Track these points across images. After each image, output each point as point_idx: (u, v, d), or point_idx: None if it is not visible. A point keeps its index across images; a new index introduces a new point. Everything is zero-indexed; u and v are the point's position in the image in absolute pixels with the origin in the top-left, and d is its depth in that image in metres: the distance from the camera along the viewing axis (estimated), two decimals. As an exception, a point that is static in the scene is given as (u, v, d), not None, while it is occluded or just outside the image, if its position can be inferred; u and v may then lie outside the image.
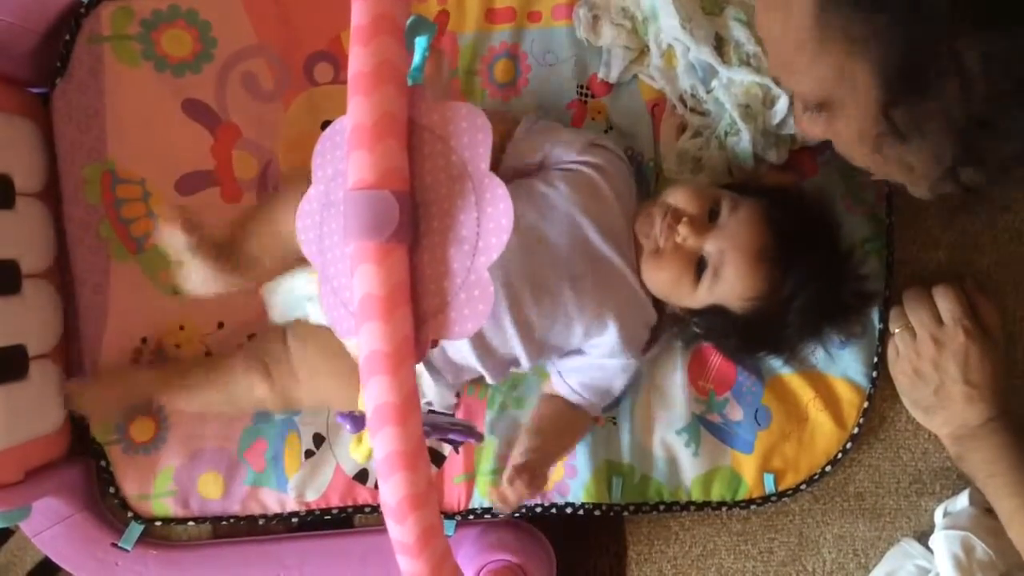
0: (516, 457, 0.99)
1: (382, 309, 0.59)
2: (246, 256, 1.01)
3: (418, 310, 0.62)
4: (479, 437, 0.82)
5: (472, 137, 0.61)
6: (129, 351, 1.14)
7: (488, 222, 0.60)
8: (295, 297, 1.07)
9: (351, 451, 0.81)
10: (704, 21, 1.07)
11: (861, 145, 0.77)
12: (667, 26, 1.08)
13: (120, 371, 1.13)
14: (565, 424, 1.06)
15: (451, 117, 0.61)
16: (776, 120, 1.06)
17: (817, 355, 1.13)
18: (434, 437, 0.79)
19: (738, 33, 1.07)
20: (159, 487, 1.15)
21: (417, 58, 0.69)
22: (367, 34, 0.60)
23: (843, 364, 1.13)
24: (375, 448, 0.63)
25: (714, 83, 1.08)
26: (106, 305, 1.13)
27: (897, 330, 1.11)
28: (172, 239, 0.95)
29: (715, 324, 1.01)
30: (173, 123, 1.12)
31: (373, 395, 0.61)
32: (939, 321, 1.09)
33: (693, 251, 0.98)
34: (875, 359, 1.13)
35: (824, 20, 0.71)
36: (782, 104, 1.05)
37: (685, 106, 1.11)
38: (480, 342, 0.99)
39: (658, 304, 1.05)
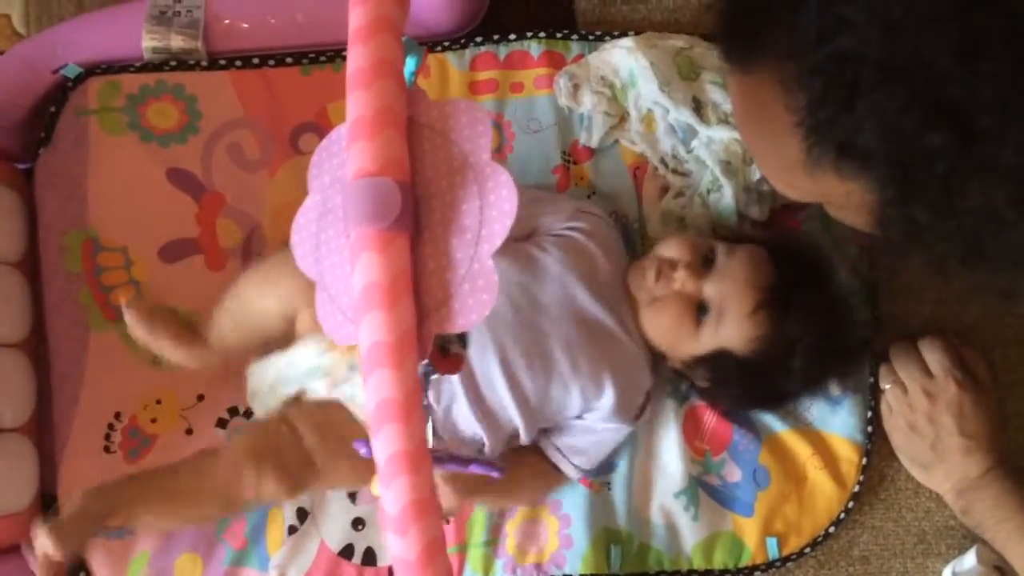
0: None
1: (384, 299, 0.57)
2: (214, 334, 1.01)
3: (420, 305, 0.60)
4: (501, 470, 0.79)
5: (472, 129, 0.61)
6: (102, 426, 1.10)
7: (491, 210, 0.59)
8: (295, 372, 1.03)
9: (372, 487, 0.74)
10: (682, 85, 1.10)
11: (862, 226, 0.74)
12: (646, 91, 1.11)
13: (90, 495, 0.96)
14: (526, 468, 1.02)
15: (450, 112, 0.62)
16: (756, 176, 1.08)
17: (812, 411, 1.11)
18: (454, 468, 0.76)
19: (715, 95, 1.10)
20: (133, 574, 1.09)
21: (407, 80, 0.70)
22: (366, 33, 0.60)
23: (839, 420, 1.11)
24: (376, 452, 0.60)
25: (694, 143, 1.11)
26: (81, 376, 1.09)
27: (888, 386, 1.11)
28: (130, 324, 1.02)
29: (719, 371, 0.99)
30: (157, 191, 1.12)
31: (375, 391, 0.58)
32: (929, 374, 1.08)
33: (692, 296, 0.98)
34: (869, 414, 1.11)
35: (813, 157, 0.67)
36: None
37: (667, 167, 1.13)
38: (481, 406, 0.98)
39: (653, 369, 1.05)
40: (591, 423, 1.02)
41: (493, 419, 0.98)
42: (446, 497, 0.92)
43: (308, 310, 0.99)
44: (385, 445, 0.59)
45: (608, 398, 0.99)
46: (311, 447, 0.97)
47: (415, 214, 0.60)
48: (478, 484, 0.94)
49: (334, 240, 0.65)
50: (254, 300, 1.01)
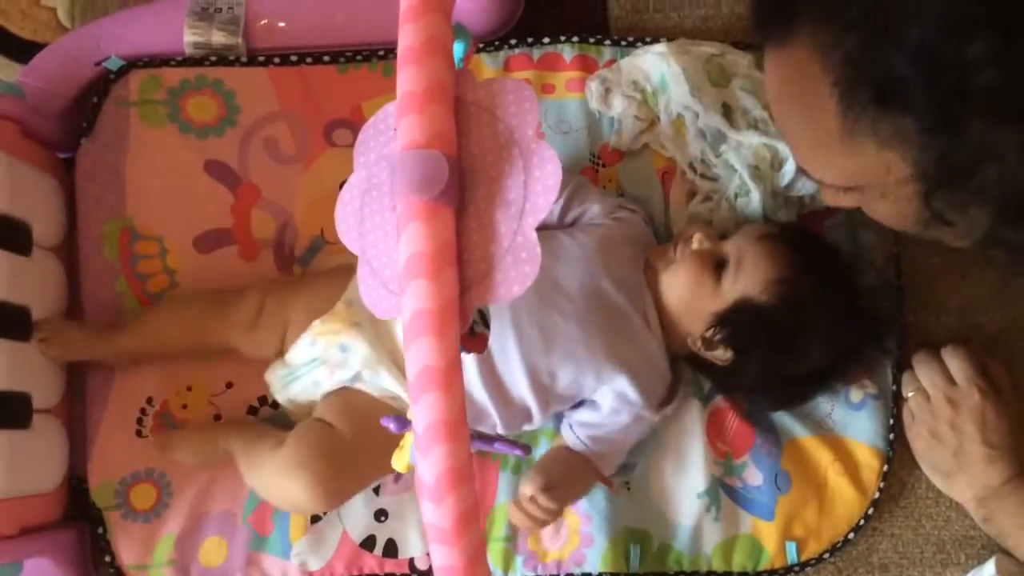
0: (525, 484, 0.97)
1: (429, 267, 0.59)
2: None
3: (463, 277, 0.62)
4: (526, 450, 0.80)
5: (519, 107, 0.63)
6: (135, 411, 1.11)
7: (535, 184, 0.61)
8: (298, 368, 1.05)
9: (393, 460, 0.76)
10: (712, 91, 1.12)
11: (900, 220, 0.78)
12: (677, 95, 1.12)
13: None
14: (568, 470, 1.03)
15: (497, 90, 0.64)
16: (784, 182, 1.10)
17: (834, 418, 1.12)
18: (479, 446, 0.77)
19: (745, 101, 1.12)
20: (158, 556, 1.10)
21: (456, 63, 0.72)
22: (417, 12, 0.62)
23: (860, 427, 1.12)
24: (416, 420, 0.61)
25: (723, 147, 1.12)
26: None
27: (911, 393, 1.11)
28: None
29: (741, 331, 1.01)
30: (194, 182, 1.14)
31: (416, 358, 0.60)
32: (952, 382, 1.09)
33: (710, 252, 1.01)
34: (891, 422, 1.12)
35: (850, 121, 0.69)
36: (789, 166, 1.09)
37: (695, 172, 1.14)
38: (494, 382, 0.99)
39: (673, 366, 1.06)
40: (610, 414, 1.03)
41: (506, 396, 1.00)
42: (546, 508, 0.96)
43: (295, 326, 1.05)
44: (425, 413, 0.60)
45: (622, 384, 1.00)
46: (345, 433, 0.99)
47: (460, 188, 0.62)
48: (566, 489, 0.98)
49: (378, 215, 0.67)
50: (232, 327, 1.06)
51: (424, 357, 0.60)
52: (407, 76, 0.61)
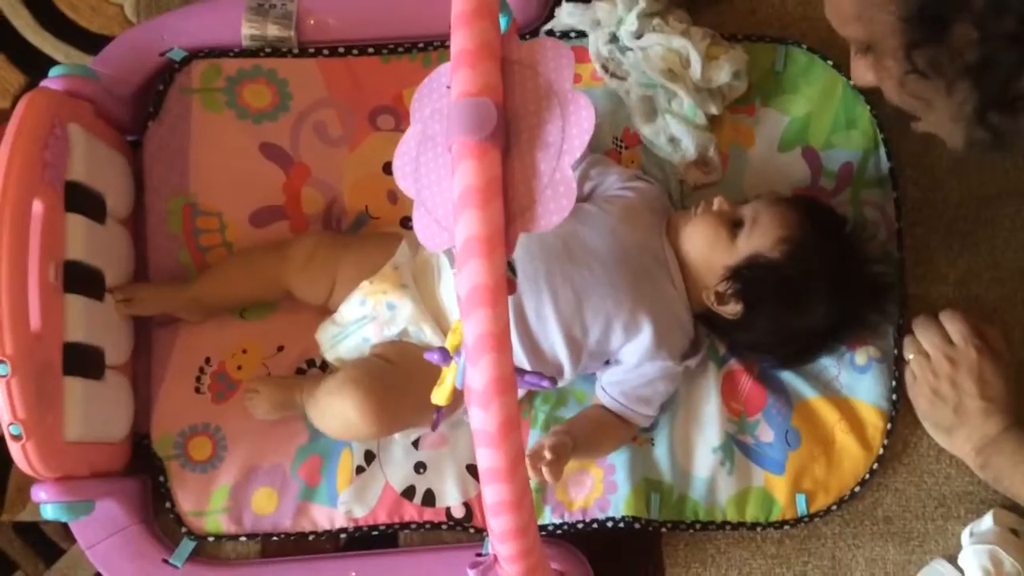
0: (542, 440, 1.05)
1: (479, 198, 0.69)
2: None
3: (508, 211, 0.71)
4: (553, 382, 0.89)
5: (557, 63, 0.73)
6: (194, 370, 1.21)
7: (571, 127, 0.70)
8: (347, 325, 1.15)
9: (433, 394, 0.84)
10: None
11: (896, 86, 0.88)
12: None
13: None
14: (600, 426, 1.13)
15: (537, 48, 0.74)
16: (696, 75, 1.18)
17: (840, 380, 1.20)
18: None
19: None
20: (214, 504, 1.19)
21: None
22: (469, -17, 0.72)
23: (865, 388, 1.20)
24: (467, 332, 0.70)
25: (629, 53, 1.21)
26: (177, 325, 1.22)
27: (912, 356, 1.20)
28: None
29: (753, 284, 1.10)
30: (251, 163, 1.24)
31: (467, 277, 0.69)
32: (950, 342, 1.17)
33: (728, 212, 1.11)
34: (893, 383, 1.20)
35: None
36: (694, 57, 1.17)
37: (607, 71, 1.22)
38: (530, 339, 1.09)
39: (695, 322, 1.16)
40: (638, 367, 1.12)
41: (541, 353, 1.10)
42: (545, 462, 0.99)
43: (343, 283, 1.15)
44: (474, 326, 0.70)
45: (646, 335, 1.09)
46: (394, 361, 1.10)
47: (506, 134, 0.72)
48: (569, 444, 1.04)
49: (432, 161, 0.76)
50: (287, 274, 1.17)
51: (475, 277, 0.69)
52: (460, 37, 0.71)
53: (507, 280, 0.81)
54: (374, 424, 1.09)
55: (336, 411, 1.10)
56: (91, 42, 1.31)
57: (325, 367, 1.22)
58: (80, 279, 1.09)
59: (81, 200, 1.10)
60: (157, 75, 1.26)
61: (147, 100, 1.25)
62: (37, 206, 1.03)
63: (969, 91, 0.81)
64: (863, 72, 0.95)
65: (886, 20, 0.81)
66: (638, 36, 1.18)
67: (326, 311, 1.18)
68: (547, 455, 0.99)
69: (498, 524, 0.77)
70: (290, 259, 1.16)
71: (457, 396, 0.82)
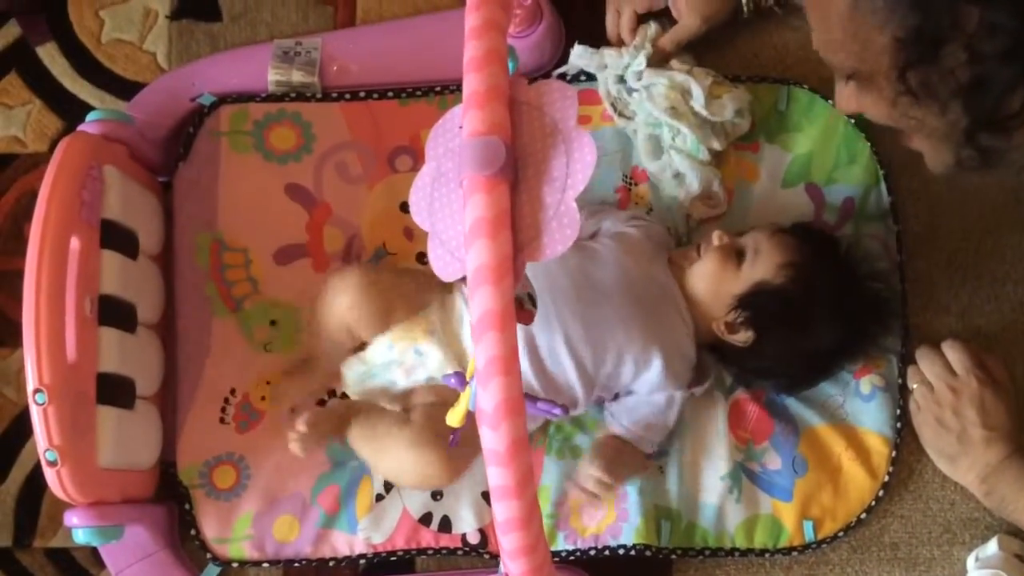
0: (589, 467, 1.13)
1: (489, 229, 0.73)
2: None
3: (516, 241, 0.76)
4: (564, 409, 0.93)
5: (562, 103, 0.78)
6: (220, 401, 1.26)
7: (575, 163, 0.75)
8: (374, 367, 1.19)
9: (448, 416, 0.88)
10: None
11: (887, 108, 0.90)
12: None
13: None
14: (617, 454, 1.16)
15: (544, 90, 0.79)
16: (699, 106, 1.22)
17: (846, 408, 1.24)
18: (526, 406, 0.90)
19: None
20: (238, 531, 1.24)
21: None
22: (479, 31, 0.78)
23: (870, 417, 1.23)
24: (477, 356, 0.75)
25: (635, 94, 1.26)
26: (204, 357, 1.27)
27: (915, 385, 1.23)
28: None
29: (760, 311, 1.14)
30: (275, 202, 1.30)
31: (478, 304, 0.74)
32: (952, 372, 1.20)
33: (730, 245, 1.15)
34: (898, 411, 1.23)
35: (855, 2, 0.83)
36: (696, 90, 1.21)
37: (615, 111, 1.28)
38: (544, 376, 1.13)
39: (699, 352, 1.20)
40: (647, 396, 1.16)
41: (556, 386, 1.14)
42: (597, 480, 1.14)
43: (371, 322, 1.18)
44: (485, 349, 0.74)
45: (656, 369, 1.14)
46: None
47: (514, 170, 0.77)
48: (619, 464, 1.14)
49: (445, 197, 0.82)
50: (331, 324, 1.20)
51: (485, 303, 0.74)
52: (472, 80, 0.76)
53: (526, 311, 0.86)
54: (451, 477, 1.14)
55: (412, 467, 1.13)
56: (125, 88, 1.38)
57: (345, 398, 1.26)
58: (114, 312, 1.15)
59: (116, 237, 1.16)
60: (188, 119, 1.32)
61: (178, 143, 1.31)
62: (74, 243, 1.08)
63: (961, 111, 0.83)
64: (847, 99, 0.98)
65: (879, 41, 0.83)
66: (640, 78, 1.24)
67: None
68: (606, 479, 1.13)
69: (508, 542, 0.80)
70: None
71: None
